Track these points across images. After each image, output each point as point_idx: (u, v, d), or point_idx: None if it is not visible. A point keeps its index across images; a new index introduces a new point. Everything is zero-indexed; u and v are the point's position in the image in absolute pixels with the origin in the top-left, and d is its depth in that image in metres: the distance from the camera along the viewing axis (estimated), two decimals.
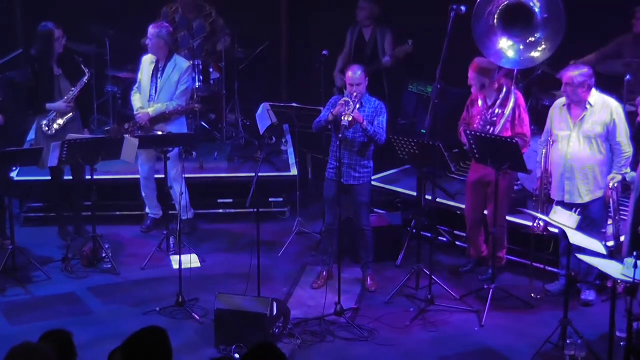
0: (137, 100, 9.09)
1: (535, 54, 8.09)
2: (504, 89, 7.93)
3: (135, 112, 9.04)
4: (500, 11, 8.10)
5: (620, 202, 8.16)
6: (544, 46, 8.04)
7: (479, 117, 7.97)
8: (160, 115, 8.95)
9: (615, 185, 7.38)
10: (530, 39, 8.07)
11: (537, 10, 8.01)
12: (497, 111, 7.91)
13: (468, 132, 7.70)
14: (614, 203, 7.36)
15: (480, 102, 7.99)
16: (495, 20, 8.12)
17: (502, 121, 7.88)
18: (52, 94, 8.71)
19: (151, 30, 8.88)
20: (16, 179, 9.21)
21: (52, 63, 8.69)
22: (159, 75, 8.95)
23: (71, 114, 8.77)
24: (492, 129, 7.89)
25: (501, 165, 7.54)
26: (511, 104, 7.88)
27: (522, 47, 8.10)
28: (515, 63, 8.09)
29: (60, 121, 8.74)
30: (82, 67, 8.80)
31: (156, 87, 8.95)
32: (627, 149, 7.52)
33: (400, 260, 8.59)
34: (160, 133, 8.84)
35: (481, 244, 8.33)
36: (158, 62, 8.97)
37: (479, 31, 8.08)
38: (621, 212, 7.49)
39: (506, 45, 8.11)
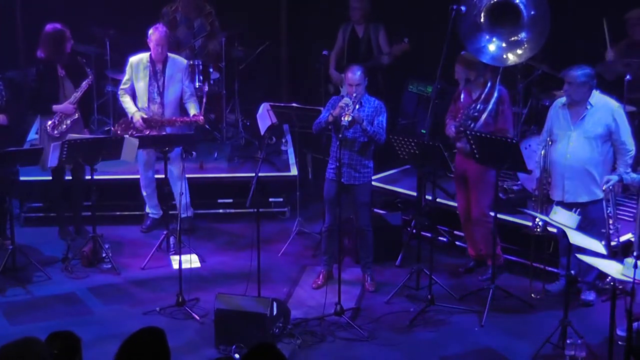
0: (130, 103, 8.93)
1: (512, 56, 8.11)
2: (489, 84, 7.94)
3: (130, 116, 8.90)
4: (487, 8, 8.11)
5: (620, 201, 8.18)
6: (525, 47, 8.06)
7: (462, 110, 7.99)
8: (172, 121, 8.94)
9: (611, 187, 7.28)
10: (514, 37, 8.08)
11: (523, 8, 8.02)
12: (479, 107, 7.93)
13: (468, 132, 7.69)
14: (609, 206, 7.25)
15: (462, 96, 8.01)
16: (482, 18, 8.13)
17: (484, 116, 7.90)
18: (57, 95, 8.71)
19: (156, 35, 8.80)
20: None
21: (58, 65, 8.69)
22: (159, 77, 8.91)
23: (76, 115, 8.78)
24: (473, 124, 7.91)
25: (501, 165, 7.55)
26: (493, 99, 7.89)
27: (504, 45, 8.12)
28: (493, 59, 8.08)
29: (68, 122, 8.75)
30: (85, 68, 8.80)
31: (159, 89, 8.91)
32: (631, 147, 7.52)
33: (400, 260, 8.59)
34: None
35: (477, 241, 8.33)
36: (154, 64, 8.91)
37: (465, 26, 8.09)
38: (621, 212, 7.43)
39: (490, 41, 8.12)
